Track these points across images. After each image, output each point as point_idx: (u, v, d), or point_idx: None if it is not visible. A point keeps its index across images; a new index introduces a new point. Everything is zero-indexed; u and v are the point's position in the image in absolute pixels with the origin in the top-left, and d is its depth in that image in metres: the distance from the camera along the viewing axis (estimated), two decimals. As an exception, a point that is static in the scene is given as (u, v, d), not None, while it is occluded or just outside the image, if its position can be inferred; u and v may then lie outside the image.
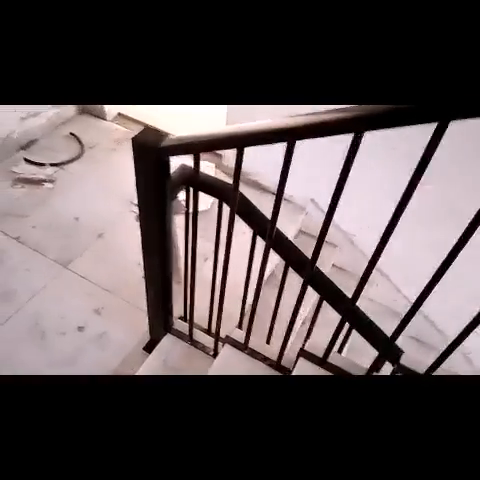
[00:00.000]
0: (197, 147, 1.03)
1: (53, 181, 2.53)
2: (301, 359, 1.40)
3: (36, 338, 1.87)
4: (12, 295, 2.00)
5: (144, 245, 1.39)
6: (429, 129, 0.71)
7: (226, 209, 1.23)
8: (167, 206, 1.26)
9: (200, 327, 1.79)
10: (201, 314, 1.73)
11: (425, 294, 0.98)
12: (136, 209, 2.47)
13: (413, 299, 1.02)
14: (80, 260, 2.18)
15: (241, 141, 0.91)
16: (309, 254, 1.12)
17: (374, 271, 1.02)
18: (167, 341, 1.73)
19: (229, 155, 2.70)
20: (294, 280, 1.39)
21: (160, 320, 1.67)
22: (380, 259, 0.98)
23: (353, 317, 1.37)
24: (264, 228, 1.34)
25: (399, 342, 1.16)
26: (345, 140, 0.81)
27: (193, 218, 1.23)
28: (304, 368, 1.38)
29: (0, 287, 2.03)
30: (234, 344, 1.57)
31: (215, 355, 1.70)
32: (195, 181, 1.21)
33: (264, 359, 1.53)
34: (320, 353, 1.38)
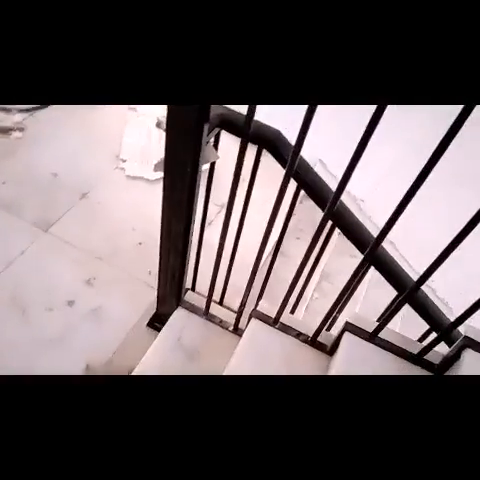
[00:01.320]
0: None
1: (22, 129, 2.19)
2: (347, 334, 1.25)
3: (16, 314, 1.62)
4: (-17, 264, 1.72)
5: (166, 205, 1.16)
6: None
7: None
8: (201, 156, 1.04)
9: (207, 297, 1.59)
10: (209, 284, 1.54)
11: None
12: (125, 165, 2.21)
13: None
14: (62, 223, 1.91)
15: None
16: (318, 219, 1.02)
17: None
18: (179, 316, 1.53)
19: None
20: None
21: (173, 293, 1.47)
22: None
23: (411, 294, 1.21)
24: (312, 184, 1.16)
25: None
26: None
27: (237, 172, 1.01)
28: (351, 345, 1.23)
29: (-32, 254, 1.74)
30: (262, 318, 1.39)
31: (235, 330, 1.52)
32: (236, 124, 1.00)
33: (298, 335, 1.37)
34: (369, 327, 1.23)
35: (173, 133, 0.98)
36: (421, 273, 0.98)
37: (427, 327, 1.25)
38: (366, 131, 0.74)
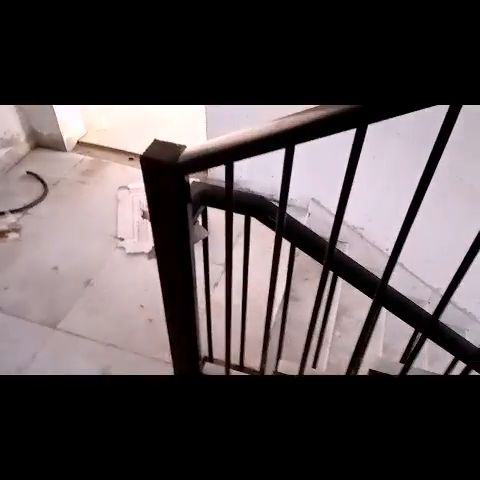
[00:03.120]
0: (230, 154, 0.83)
1: (18, 230, 2.27)
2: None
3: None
4: (-2, 374, 1.73)
5: (165, 291, 1.18)
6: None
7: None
8: (190, 237, 1.06)
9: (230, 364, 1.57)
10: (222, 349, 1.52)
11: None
12: (123, 244, 2.25)
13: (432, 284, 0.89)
14: (70, 316, 1.93)
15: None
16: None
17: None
18: (201, 391, 1.50)
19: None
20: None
21: (190, 368, 1.45)
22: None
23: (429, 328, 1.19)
24: (304, 239, 1.18)
25: None
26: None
27: (228, 246, 1.03)
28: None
29: (-20, 368, 1.75)
30: (285, 379, 1.37)
31: (261, 395, 1.49)
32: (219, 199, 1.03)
33: (325, 390, 1.34)
34: (393, 370, 1.20)
35: (157, 219, 1.01)
36: (436, 299, 0.96)
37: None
38: (351, 155, 0.74)
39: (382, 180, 2.19)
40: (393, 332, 2.11)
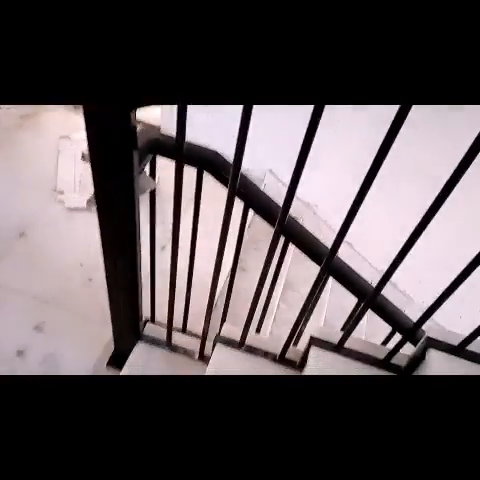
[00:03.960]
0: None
1: None
2: (313, 348, 1.26)
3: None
4: None
5: (106, 244, 1.12)
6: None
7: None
8: (136, 187, 1.01)
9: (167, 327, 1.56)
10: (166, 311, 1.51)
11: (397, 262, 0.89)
12: (63, 197, 2.14)
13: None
14: (2, 268, 1.82)
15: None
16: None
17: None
18: (140, 351, 1.49)
19: (167, 123, 2.46)
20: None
21: (130, 328, 1.43)
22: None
23: (371, 298, 1.23)
24: (258, 200, 1.17)
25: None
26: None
27: (177, 197, 0.99)
28: (319, 358, 1.24)
29: None
30: (227, 342, 1.38)
31: (201, 358, 1.50)
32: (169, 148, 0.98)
33: (265, 354, 1.36)
34: (334, 338, 1.24)
35: (99, 166, 0.94)
36: (379, 279, 0.99)
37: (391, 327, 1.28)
38: (307, 132, 0.72)
39: (341, 160, 2.21)
40: (334, 310, 2.19)
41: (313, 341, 1.26)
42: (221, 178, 1.10)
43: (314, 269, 1.12)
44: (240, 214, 1.19)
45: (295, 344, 1.39)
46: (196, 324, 1.72)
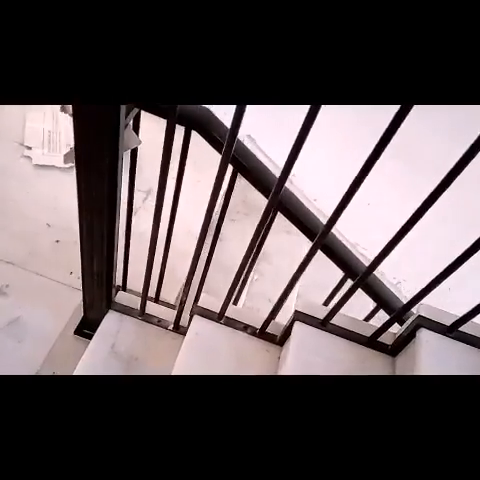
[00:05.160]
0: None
1: None
2: (297, 323, 1.21)
3: None
4: None
5: (83, 205, 1.03)
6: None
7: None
8: (120, 143, 0.92)
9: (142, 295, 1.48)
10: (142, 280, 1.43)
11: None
12: (30, 153, 1.99)
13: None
14: (-38, 226, 1.69)
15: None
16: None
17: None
18: (111, 319, 1.41)
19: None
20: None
21: (102, 297, 1.34)
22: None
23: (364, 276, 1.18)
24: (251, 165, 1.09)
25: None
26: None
27: (167, 154, 0.90)
28: (303, 334, 1.20)
29: None
30: (205, 314, 1.32)
31: (176, 329, 1.44)
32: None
33: (245, 327, 1.31)
34: (319, 314, 1.20)
35: (82, 117, 0.84)
36: (372, 259, 0.94)
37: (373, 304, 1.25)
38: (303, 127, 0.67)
39: (325, 133, 2.15)
40: (307, 284, 2.15)
41: (298, 316, 1.21)
42: (211, 139, 1.02)
43: (290, 241, 1.07)
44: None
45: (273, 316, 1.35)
46: (171, 293, 1.65)
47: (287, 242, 2.23)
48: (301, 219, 1.07)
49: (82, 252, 1.19)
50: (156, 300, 1.60)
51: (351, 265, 1.12)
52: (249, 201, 2.36)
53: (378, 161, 0.70)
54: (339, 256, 1.13)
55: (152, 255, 1.19)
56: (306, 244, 1.12)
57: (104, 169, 0.94)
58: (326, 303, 1.37)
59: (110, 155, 0.92)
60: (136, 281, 1.38)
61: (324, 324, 1.19)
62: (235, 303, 1.53)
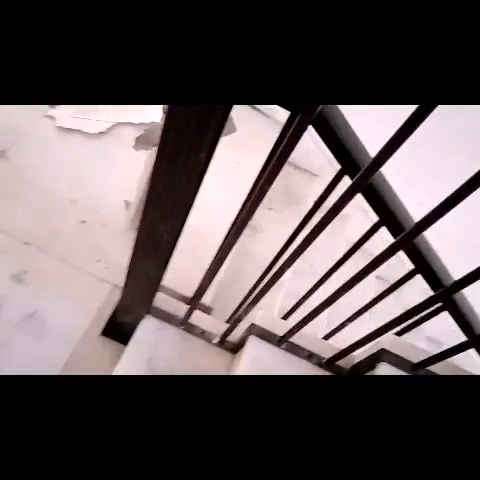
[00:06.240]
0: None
1: None
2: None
3: None
4: None
5: (154, 201, 0.83)
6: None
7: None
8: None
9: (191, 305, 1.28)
10: (180, 277, 1.23)
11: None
12: (54, 113, 1.74)
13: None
14: (-26, 193, 1.45)
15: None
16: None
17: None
18: (149, 327, 1.22)
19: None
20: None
21: (145, 299, 1.15)
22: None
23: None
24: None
25: None
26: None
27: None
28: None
29: None
30: (264, 336, 1.13)
31: (222, 343, 1.25)
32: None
33: (309, 356, 1.13)
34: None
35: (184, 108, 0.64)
36: None
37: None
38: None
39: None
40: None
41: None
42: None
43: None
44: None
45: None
46: (213, 298, 1.46)
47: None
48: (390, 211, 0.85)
49: (135, 254, 0.99)
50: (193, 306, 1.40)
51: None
52: (289, 189, 2.14)
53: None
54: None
55: (218, 265, 1.00)
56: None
57: (195, 164, 0.74)
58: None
59: (208, 149, 0.72)
60: (173, 280, 1.18)
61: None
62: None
